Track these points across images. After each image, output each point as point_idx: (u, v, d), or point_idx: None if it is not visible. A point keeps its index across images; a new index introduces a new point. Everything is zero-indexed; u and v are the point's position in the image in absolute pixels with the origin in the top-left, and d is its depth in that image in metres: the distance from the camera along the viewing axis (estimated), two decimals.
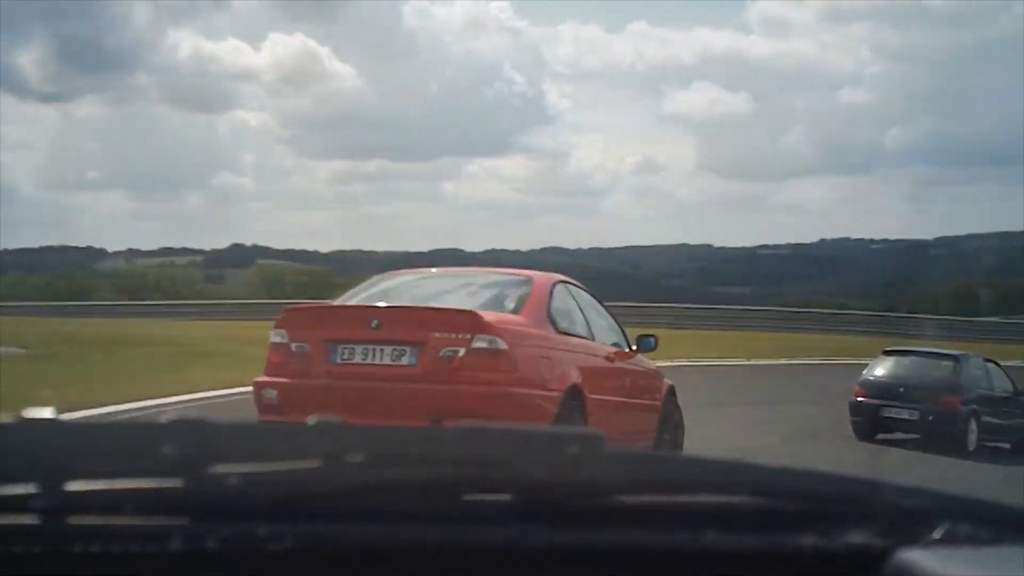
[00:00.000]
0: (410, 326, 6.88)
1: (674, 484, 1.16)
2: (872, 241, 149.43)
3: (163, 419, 1.13)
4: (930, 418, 13.40)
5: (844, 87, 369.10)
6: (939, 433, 13.27)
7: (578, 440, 1.10)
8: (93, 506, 1.06)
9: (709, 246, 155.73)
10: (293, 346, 7.04)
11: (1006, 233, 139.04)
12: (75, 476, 1.08)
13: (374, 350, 6.88)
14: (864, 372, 14.74)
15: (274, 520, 1.05)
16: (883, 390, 14.05)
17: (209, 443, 1.11)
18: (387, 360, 6.83)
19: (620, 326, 8.98)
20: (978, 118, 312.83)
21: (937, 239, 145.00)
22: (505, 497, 1.09)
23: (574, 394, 7.20)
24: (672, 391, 9.37)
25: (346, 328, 7.03)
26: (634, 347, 8.81)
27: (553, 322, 7.55)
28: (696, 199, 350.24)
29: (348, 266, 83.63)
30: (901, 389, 13.90)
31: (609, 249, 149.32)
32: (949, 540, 1.13)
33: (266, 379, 7.13)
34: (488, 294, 7.65)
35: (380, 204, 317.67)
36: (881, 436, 13.91)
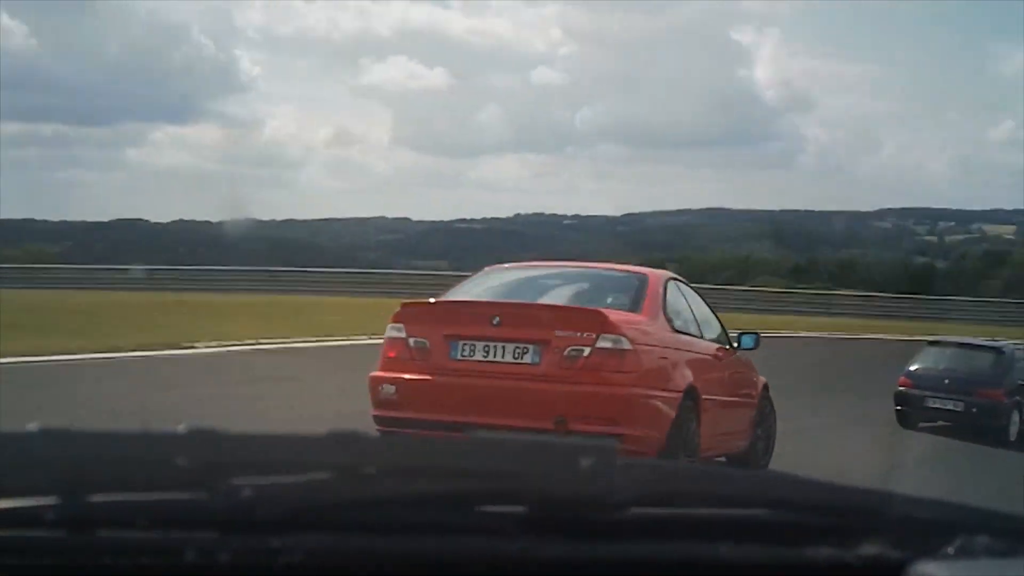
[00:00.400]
0: (533, 324, 6.80)
1: (688, 496, 1.16)
2: (564, 216, 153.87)
3: (178, 429, 1.10)
4: (974, 410, 13.90)
5: (538, 66, 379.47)
6: (982, 424, 13.84)
7: (592, 452, 1.09)
8: (106, 518, 1.05)
9: (407, 219, 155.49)
10: (411, 341, 6.95)
11: (686, 211, 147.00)
12: (88, 487, 1.05)
13: (496, 347, 6.81)
14: (909, 363, 15.05)
15: (288, 532, 1.05)
16: (928, 381, 14.44)
17: (223, 454, 1.09)
18: (509, 358, 6.77)
19: (721, 323, 8.86)
20: (664, 102, 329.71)
21: (624, 215, 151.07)
22: (519, 509, 1.10)
23: (690, 394, 7.14)
24: (767, 388, 9.29)
25: (467, 324, 6.94)
26: (735, 344, 8.72)
27: (669, 320, 7.51)
28: (393, 173, 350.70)
29: (18, 236, 77.16)
30: (946, 380, 14.27)
31: (305, 221, 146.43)
32: (965, 553, 1.14)
33: (383, 374, 7.04)
34: (604, 291, 7.70)
35: (56, 171, 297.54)
36: (924, 425, 14.38)
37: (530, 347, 6.76)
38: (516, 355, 6.79)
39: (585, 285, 8.04)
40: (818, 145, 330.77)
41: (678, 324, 7.66)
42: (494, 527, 1.10)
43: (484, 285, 7.99)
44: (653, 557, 1.11)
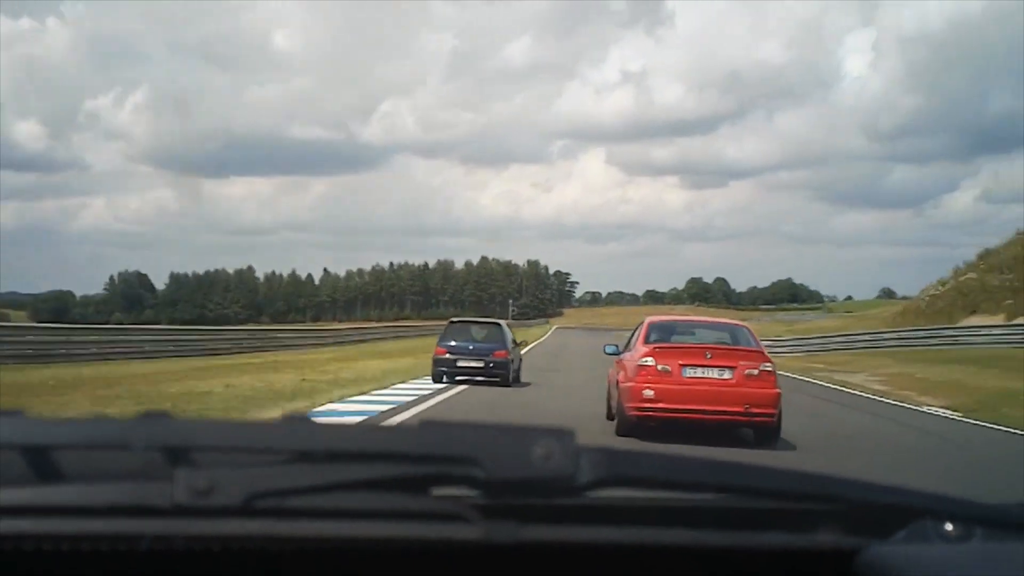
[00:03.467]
0: (728, 357, 13.00)
1: (644, 481, 1.15)
2: None
3: (131, 416, 1.09)
4: (491, 365, 21.90)
5: None
6: (496, 375, 21.84)
7: (549, 436, 1.09)
8: (63, 506, 1.04)
9: None
10: (659, 367, 12.84)
11: None
12: (45, 474, 1.05)
13: (709, 370, 12.84)
14: (441, 336, 22.95)
15: (242, 518, 1.04)
16: (457, 348, 22.25)
17: (176, 440, 1.08)
18: (715, 376, 12.82)
19: None
20: None
21: None
22: (473, 494, 1.10)
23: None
24: None
25: (691, 358, 12.97)
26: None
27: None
28: None
29: None
30: (470, 347, 22.15)
31: None
32: (918, 538, 1.16)
33: (642, 384, 12.75)
34: (735, 336, 14.12)
35: None
36: (458, 378, 22.00)
37: (727, 369, 12.84)
38: (719, 374, 12.82)
39: (730, 331, 14.58)
40: None
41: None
42: (449, 512, 1.09)
43: (672, 330, 14.76)
44: (610, 541, 1.12)
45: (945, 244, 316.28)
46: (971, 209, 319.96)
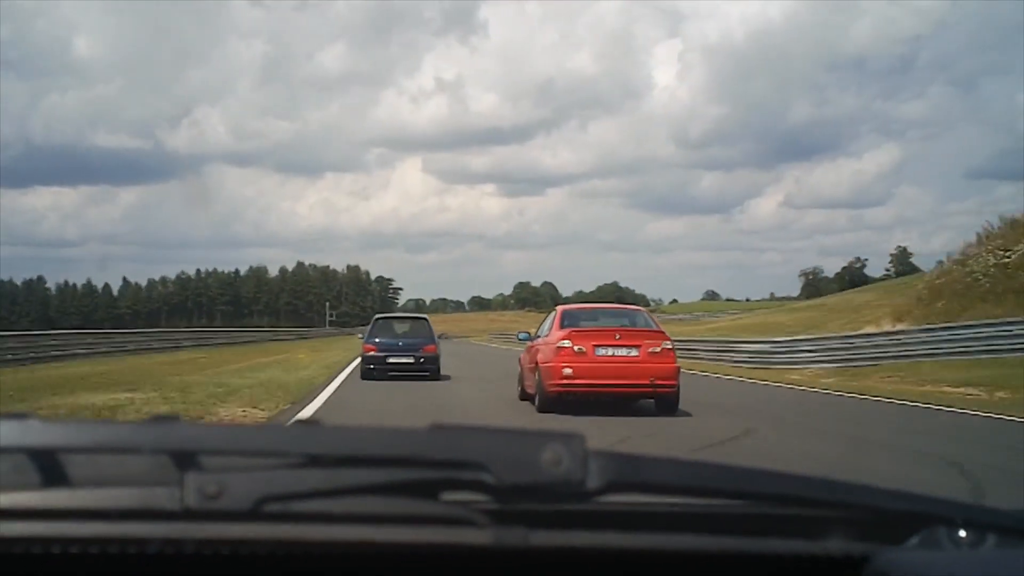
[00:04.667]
0: (635, 338, 14.81)
1: (655, 486, 1.14)
2: None
3: (140, 419, 1.10)
4: (421, 360, 22.60)
5: None
6: (427, 369, 22.50)
7: (558, 440, 1.07)
8: (69, 509, 1.01)
9: None
10: (576, 348, 14.52)
11: None
12: (51, 478, 1.02)
13: (618, 349, 14.53)
14: (366, 333, 23.38)
15: (252, 522, 1.03)
16: (386, 345, 22.74)
17: (186, 444, 1.05)
18: (624, 353, 14.53)
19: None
20: None
21: None
22: (483, 498, 1.08)
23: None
24: None
25: (603, 339, 14.71)
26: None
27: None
28: None
29: None
30: (400, 344, 22.74)
31: None
32: (929, 544, 1.16)
33: (561, 364, 14.39)
34: (638, 319, 16.17)
35: None
36: (391, 374, 22.30)
37: (634, 348, 14.56)
38: (627, 352, 14.53)
39: (630, 315, 16.67)
40: None
41: None
42: (459, 517, 1.08)
43: (582, 316, 16.15)
44: (619, 547, 1.11)
45: (753, 248, 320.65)
46: (775, 214, 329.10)
